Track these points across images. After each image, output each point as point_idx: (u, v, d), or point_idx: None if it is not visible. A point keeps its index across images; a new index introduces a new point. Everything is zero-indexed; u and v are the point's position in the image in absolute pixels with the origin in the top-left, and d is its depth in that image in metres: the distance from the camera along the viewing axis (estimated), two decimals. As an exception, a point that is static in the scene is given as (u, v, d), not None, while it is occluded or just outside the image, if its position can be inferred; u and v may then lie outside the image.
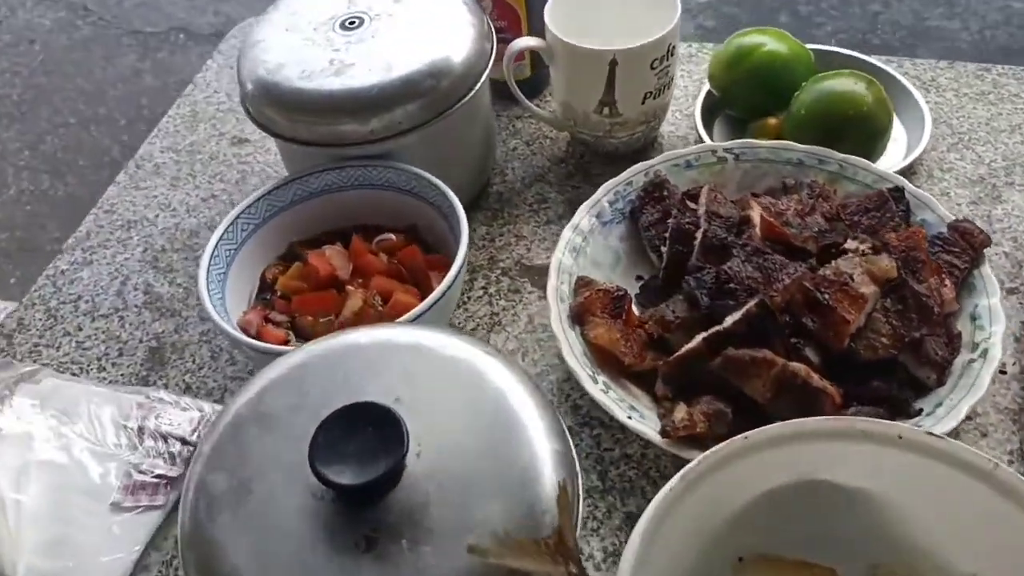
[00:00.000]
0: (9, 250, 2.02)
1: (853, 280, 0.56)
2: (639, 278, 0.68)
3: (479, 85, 0.69)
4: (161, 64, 2.52)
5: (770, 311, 0.55)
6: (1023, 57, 2.20)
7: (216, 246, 0.63)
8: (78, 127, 2.33)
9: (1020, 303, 0.65)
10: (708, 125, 0.79)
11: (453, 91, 0.67)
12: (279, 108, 0.66)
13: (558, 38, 0.71)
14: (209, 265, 0.62)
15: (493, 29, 0.72)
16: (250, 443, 0.45)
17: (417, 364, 0.47)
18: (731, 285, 0.58)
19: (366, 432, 0.42)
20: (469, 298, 0.70)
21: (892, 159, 0.74)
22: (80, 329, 0.71)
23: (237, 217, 0.65)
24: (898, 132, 0.76)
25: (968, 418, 0.55)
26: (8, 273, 1.97)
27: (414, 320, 0.57)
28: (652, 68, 0.71)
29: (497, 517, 0.40)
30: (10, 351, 0.69)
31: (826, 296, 0.55)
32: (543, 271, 0.70)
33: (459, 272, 0.60)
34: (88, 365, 0.68)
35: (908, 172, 0.74)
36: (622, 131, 0.76)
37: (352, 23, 0.68)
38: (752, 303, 0.56)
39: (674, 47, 0.72)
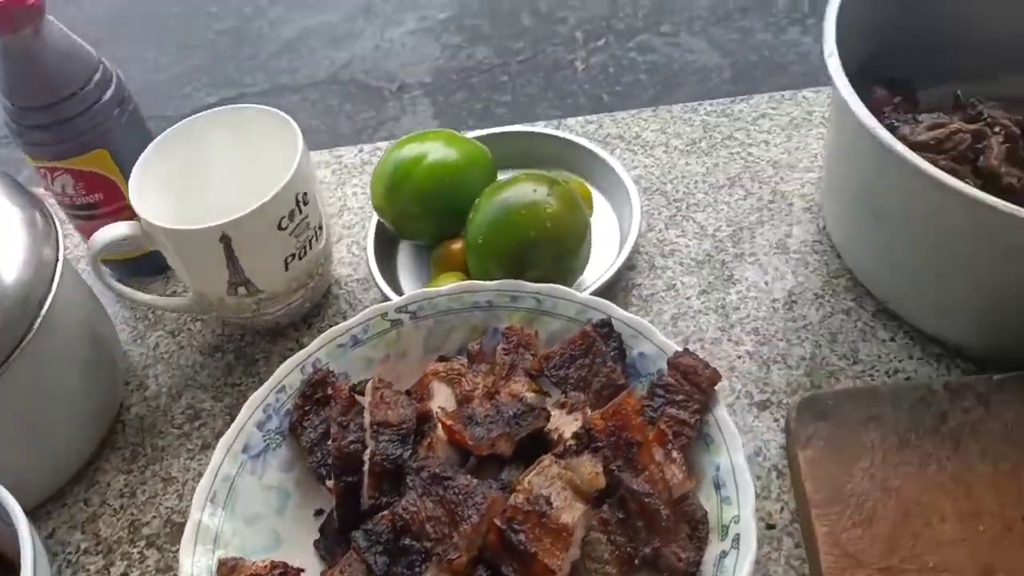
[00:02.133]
0: None
1: (552, 505, 0.42)
2: (318, 512, 0.52)
3: (46, 309, 0.51)
4: None
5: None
6: (761, 10, 2.20)
7: None
8: None
9: (775, 419, 0.54)
10: (390, 257, 0.64)
11: (7, 330, 0.49)
12: None
13: (149, 221, 0.54)
14: None
15: (56, 224, 0.54)
16: None
17: None
18: (406, 540, 0.43)
19: None
20: (107, 589, 0.52)
21: (603, 256, 0.61)
22: None
23: None
24: (607, 218, 0.64)
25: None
26: None
27: None
28: (282, 229, 0.55)
29: None
30: None
31: (522, 538, 0.41)
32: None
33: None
34: None
35: (627, 267, 0.61)
36: (274, 305, 0.59)
37: None
38: (425, 584, 0.41)
39: (306, 194, 0.56)
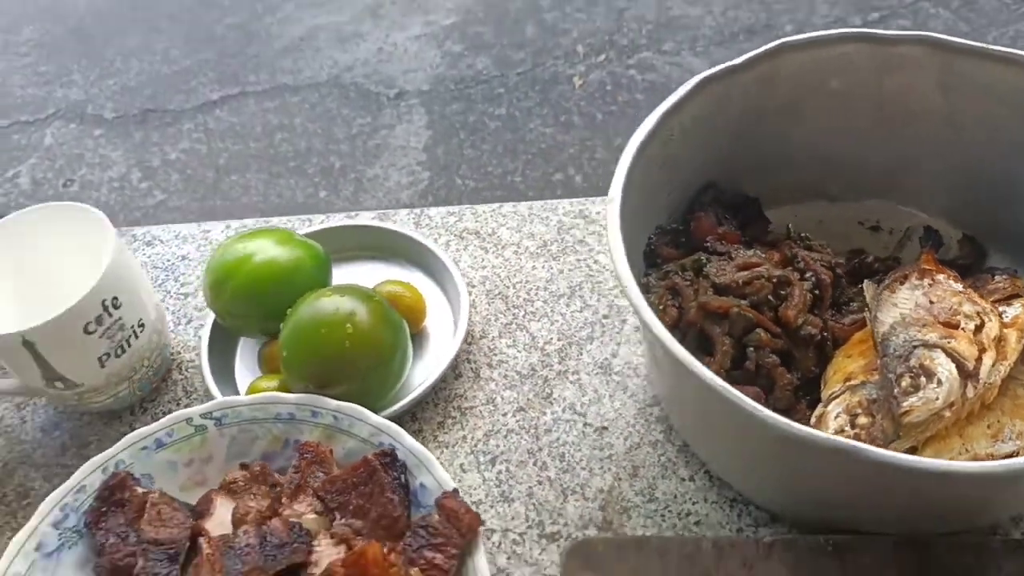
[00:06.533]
0: None
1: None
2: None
3: None
4: None
5: None
6: (767, 34, 2.15)
7: None
8: None
9: (560, 553, 0.54)
10: (230, 348, 0.66)
11: None
12: None
13: (-42, 321, 0.56)
14: None
15: None
16: None
17: None
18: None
19: None
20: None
21: (437, 362, 0.62)
22: None
23: None
24: (447, 319, 0.64)
25: None
26: None
27: None
28: (89, 333, 0.57)
29: None
30: None
31: None
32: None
33: None
34: None
35: (453, 377, 0.62)
36: (98, 396, 0.61)
37: None
38: None
39: (115, 299, 0.57)
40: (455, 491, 0.50)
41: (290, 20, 2.48)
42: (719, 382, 0.42)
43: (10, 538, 0.58)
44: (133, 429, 0.58)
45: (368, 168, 2.01)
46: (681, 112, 0.54)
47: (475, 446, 0.59)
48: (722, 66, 0.56)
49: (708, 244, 0.57)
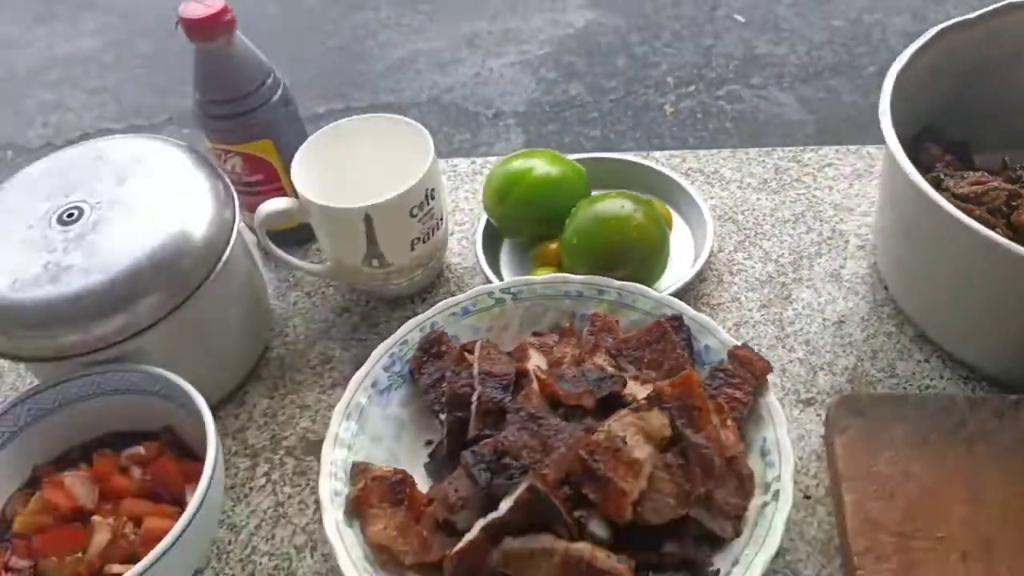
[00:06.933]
0: None
1: (626, 444, 0.52)
2: (428, 442, 0.63)
3: (224, 258, 0.63)
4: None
5: (542, 496, 0.51)
6: (851, 72, 2.28)
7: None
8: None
9: (817, 414, 0.63)
10: (494, 251, 0.76)
11: (195, 271, 0.61)
12: (-6, 325, 0.59)
13: (308, 199, 0.66)
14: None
15: (234, 193, 0.67)
16: None
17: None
18: (506, 460, 0.54)
19: None
20: (251, 488, 0.63)
21: (679, 267, 0.72)
22: None
23: (-43, 455, 0.57)
24: (684, 237, 0.74)
25: (777, 554, 0.52)
26: None
27: (171, 545, 0.51)
28: (412, 216, 0.67)
29: None
30: None
31: (600, 465, 0.52)
32: (328, 448, 0.65)
33: (208, 487, 0.54)
34: None
35: (698, 279, 0.71)
36: (399, 278, 0.71)
37: (70, 215, 0.61)
38: (523, 488, 0.51)
39: (434, 190, 0.68)
40: (745, 344, 0.60)
41: (391, 44, 2.64)
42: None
43: (320, 393, 0.68)
44: (415, 314, 0.68)
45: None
46: (925, 55, 0.65)
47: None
48: (955, 20, 0.66)
49: (937, 169, 0.67)
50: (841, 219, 0.75)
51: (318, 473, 0.62)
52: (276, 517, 0.62)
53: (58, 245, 0.60)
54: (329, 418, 0.66)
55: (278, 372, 0.71)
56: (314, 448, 0.65)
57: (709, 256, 0.72)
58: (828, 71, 2.29)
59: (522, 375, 0.60)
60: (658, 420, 0.54)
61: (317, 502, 0.62)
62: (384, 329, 0.72)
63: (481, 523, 0.53)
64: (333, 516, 0.55)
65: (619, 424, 0.54)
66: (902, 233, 0.65)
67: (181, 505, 0.57)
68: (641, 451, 0.52)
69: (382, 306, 0.74)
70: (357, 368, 0.63)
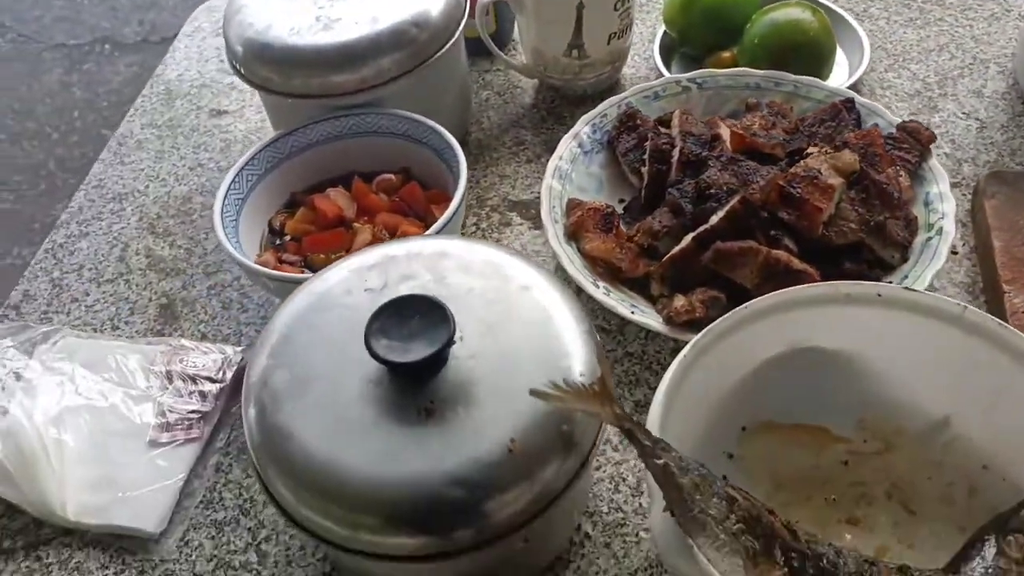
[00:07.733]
0: (-45, 269, 1.98)
1: (821, 174, 0.62)
2: (620, 201, 0.73)
3: (457, 34, 0.73)
4: (89, 76, 2.48)
5: (752, 206, 0.61)
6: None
7: (225, 196, 0.66)
8: (8, 143, 2.29)
9: (963, 194, 0.72)
10: (666, 64, 0.85)
11: (434, 40, 0.71)
12: (273, 66, 0.70)
13: (529, -16, 0.76)
14: (222, 212, 0.65)
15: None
16: (303, 345, 0.48)
17: (446, 266, 0.51)
18: (711, 191, 0.64)
19: (413, 321, 0.46)
20: (464, 233, 0.74)
21: (837, 80, 0.81)
22: (87, 294, 0.73)
23: (242, 169, 0.68)
24: (839, 58, 0.83)
25: (930, 290, 0.62)
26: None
27: (450, 219, 0.62)
28: (615, 9, 0.77)
29: (540, 382, 0.45)
30: (21, 320, 0.71)
31: (798, 190, 0.61)
32: (530, 205, 0.75)
33: (463, 195, 0.64)
34: (101, 326, 0.70)
35: (853, 89, 0.80)
36: (590, 72, 0.81)
37: (336, -23, 0.72)
38: (735, 200, 0.61)
39: (631, -14, 0.78)
40: (912, 119, 0.69)
41: None
42: None
43: (516, 166, 0.78)
44: (594, 108, 0.77)
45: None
46: None
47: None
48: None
49: None
50: (981, 50, 0.84)
51: (520, 223, 0.73)
52: (487, 256, 0.72)
53: (324, 4, 0.70)
54: (526, 186, 0.77)
55: (477, 150, 0.81)
56: (515, 207, 0.75)
57: (862, 74, 0.81)
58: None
59: (715, 138, 0.70)
60: (849, 156, 0.63)
61: (522, 245, 0.72)
62: (569, 122, 0.81)
63: (693, 234, 0.63)
64: (555, 232, 0.66)
65: (814, 160, 0.64)
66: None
67: (426, 223, 0.68)
68: (834, 179, 0.62)
69: (566, 104, 0.84)
70: (548, 150, 0.73)
